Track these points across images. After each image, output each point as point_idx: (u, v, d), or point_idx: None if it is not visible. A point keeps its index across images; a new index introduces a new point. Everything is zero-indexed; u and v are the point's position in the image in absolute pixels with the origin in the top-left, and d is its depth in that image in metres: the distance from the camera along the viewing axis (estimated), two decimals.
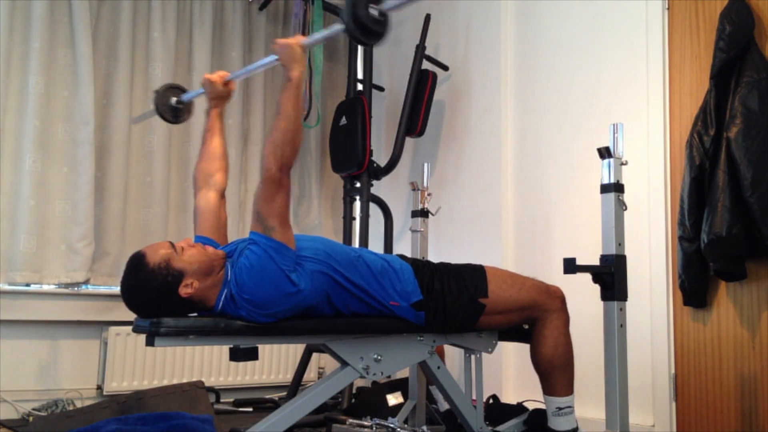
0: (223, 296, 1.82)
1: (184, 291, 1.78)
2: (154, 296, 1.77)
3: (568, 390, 2.11)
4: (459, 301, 2.04)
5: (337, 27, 1.83)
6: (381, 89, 4.04)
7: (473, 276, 2.10)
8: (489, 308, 2.07)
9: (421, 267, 2.10)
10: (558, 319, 2.12)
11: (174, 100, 2.50)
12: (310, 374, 3.73)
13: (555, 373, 2.10)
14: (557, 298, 2.15)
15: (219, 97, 2.27)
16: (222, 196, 2.16)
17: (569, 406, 2.09)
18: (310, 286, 1.85)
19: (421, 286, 2.03)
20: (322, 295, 1.90)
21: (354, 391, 3.25)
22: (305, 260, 1.87)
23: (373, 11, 1.78)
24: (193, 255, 1.82)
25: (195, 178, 2.19)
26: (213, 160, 2.19)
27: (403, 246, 3.47)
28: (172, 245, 1.83)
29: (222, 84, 2.25)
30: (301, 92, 1.90)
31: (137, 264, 1.79)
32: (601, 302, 2.07)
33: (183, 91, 2.54)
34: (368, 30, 1.79)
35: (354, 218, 3.70)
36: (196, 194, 2.16)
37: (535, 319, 2.13)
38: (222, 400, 3.47)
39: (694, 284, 2.57)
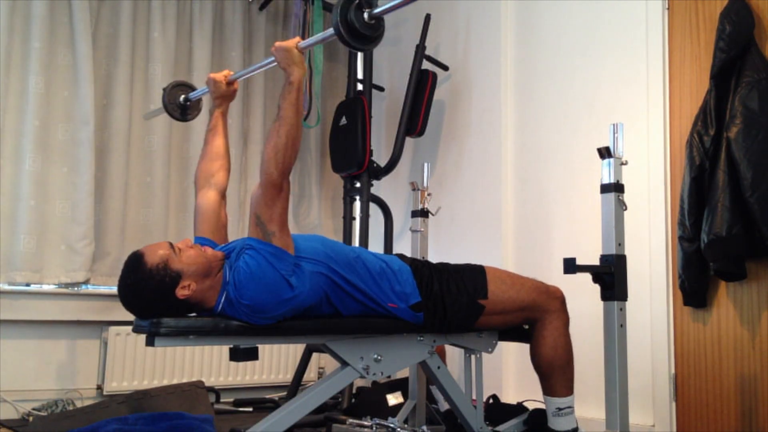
0: (223, 298, 1.81)
1: (181, 293, 1.77)
2: (151, 297, 1.76)
3: (568, 390, 2.11)
4: (458, 302, 2.04)
5: (331, 31, 1.82)
6: (381, 89, 4.04)
7: (473, 277, 2.10)
8: (488, 309, 2.07)
9: (420, 268, 2.09)
10: (558, 320, 2.12)
11: (182, 97, 2.51)
12: (310, 374, 3.73)
13: (555, 374, 2.10)
14: (557, 298, 2.15)
15: (223, 96, 2.27)
16: (223, 196, 2.16)
17: (569, 407, 2.09)
18: (308, 287, 1.85)
19: (420, 288, 2.03)
20: (320, 295, 1.90)
21: (354, 391, 3.25)
22: (303, 261, 1.87)
23: (365, 15, 1.77)
24: (192, 256, 1.81)
25: (196, 177, 2.19)
26: (215, 160, 2.18)
27: (403, 246, 3.47)
28: (171, 246, 1.82)
29: (226, 83, 2.26)
30: (301, 95, 1.90)
31: (135, 264, 1.78)
32: (601, 302, 2.07)
33: (191, 88, 2.54)
34: (360, 35, 1.78)
35: (354, 218, 3.70)
36: (197, 193, 2.15)
37: (534, 319, 2.13)
38: (222, 400, 3.47)
39: (694, 284, 2.57)
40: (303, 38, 3.80)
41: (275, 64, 1.98)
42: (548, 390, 2.11)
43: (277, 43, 1.93)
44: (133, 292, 1.78)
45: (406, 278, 2.03)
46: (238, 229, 3.76)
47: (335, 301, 1.94)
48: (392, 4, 1.80)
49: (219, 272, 1.84)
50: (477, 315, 2.06)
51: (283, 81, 1.91)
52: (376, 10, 1.79)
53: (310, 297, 1.87)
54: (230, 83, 2.27)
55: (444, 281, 2.06)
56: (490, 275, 2.11)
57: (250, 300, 1.76)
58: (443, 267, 2.14)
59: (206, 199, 2.12)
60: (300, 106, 1.88)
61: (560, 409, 2.08)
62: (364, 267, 1.99)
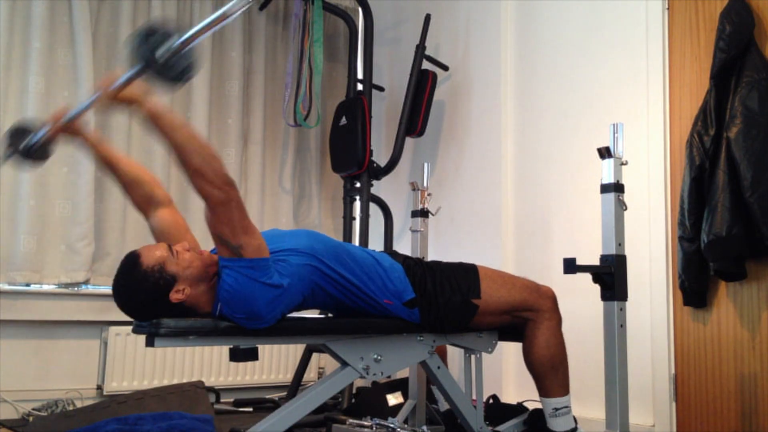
0: (219, 306, 1.79)
1: (174, 297, 1.75)
2: (144, 299, 1.74)
3: (564, 390, 2.10)
4: (451, 302, 2.04)
5: (137, 68, 1.60)
6: (381, 89, 4.04)
7: (466, 276, 2.09)
8: (481, 308, 2.06)
9: (412, 266, 2.08)
10: (550, 320, 2.11)
11: (24, 143, 2.07)
12: (310, 374, 3.73)
13: (549, 374, 2.09)
14: (548, 298, 2.14)
15: (67, 129, 1.99)
16: (169, 202, 2.05)
17: (566, 407, 2.09)
18: (297, 279, 1.83)
19: (413, 286, 2.03)
20: (311, 286, 1.88)
21: (354, 391, 3.25)
22: (289, 254, 1.85)
23: (159, 52, 1.55)
24: (189, 260, 1.79)
25: (137, 207, 2.04)
26: (138, 186, 2.01)
27: (403, 246, 3.47)
28: (169, 248, 1.80)
29: (65, 128, 1.99)
30: (168, 115, 1.71)
31: (131, 264, 1.77)
32: (601, 302, 2.07)
33: (29, 131, 2.09)
34: (169, 70, 1.56)
35: (354, 218, 3.71)
36: (148, 219, 2.02)
37: (526, 319, 2.13)
38: (222, 400, 3.47)
39: (694, 284, 2.57)
40: (303, 38, 3.77)
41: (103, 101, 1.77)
42: (544, 391, 2.11)
43: (103, 97, 1.75)
44: (126, 293, 1.77)
45: (398, 276, 2.02)
46: None
47: (332, 291, 1.93)
48: (186, 37, 1.56)
49: (214, 277, 1.81)
50: (471, 314, 2.06)
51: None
52: (174, 45, 1.56)
53: (300, 287, 1.85)
54: (67, 127, 1.98)
55: (437, 280, 2.05)
56: (482, 274, 2.11)
57: (243, 313, 1.76)
58: (436, 265, 2.13)
59: (158, 218, 2.00)
60: (177, 122, 1.70)
61: (557, 410, 2.08)
62: (355, 261, 1.97)
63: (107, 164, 2.03)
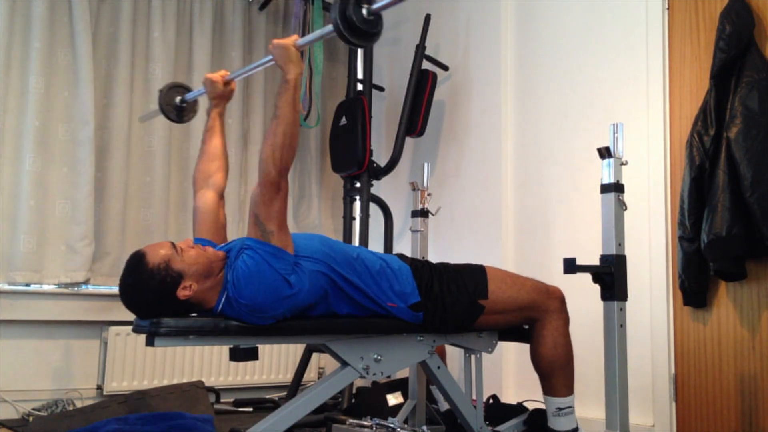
0: (223, 298, 1.81)
1: (182, 293, 1.77)
2: (152, 297, 1.76)
3: (569, 390, 2.11)
4: (458, 302, 2.04)
5: (329, 28, 1.81)
6: (381, 89, 4.04)
7: (473, 277, 2.09)
8: (488, 308, 2.07)
9: (419, 268, 2.09)
10: (557, 320, 2.12)
11: (178, 99, 2.49)
12: (310, 374, 3.73)
13: (555, 374, 2.09)
14: (556, 298, 2.15)
15: (220, 96, 2.26)
16: (221, 196, 2.16)
17: (569, 407, 2.09)
18: (308, 285, 1.84)
19: (420, 288, 2.03)
20: (320, 294, 1.90)
21: (354, 391, 3.25)
22: (303, 260, 1.87)
23: (364, 11, 1.76)
24: (193, 256, 1.81)
25: (194, 179, 2.18)
26: (212, 160, 2.18)
27: (403, 246, 3.47)
28: (173, 246, 1.82)
29: (223, 83, 2.25)
30: (299, 94, 1.89)
31: (137, 263, 1.78)
32: (601, 302, 2.07)
33: (187, 89, 2.52)
34: (359, 31, 1.76)
35: (354, 218, 3.70)
36: (195, 194, 2.15)
37: (534, 319, 2.13)
38: (222, 400, 3.47)
39: (694, 284, 2.57)
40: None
41: (273, 62, 1.97)
42: (548, 390, 2.11)
43: (275, 41, 1.92)
44: (133, 292, 1.78)
45: (406, 278, 2.03)
46: (238, 229, 3.76)
47: (334, 300, 1.94)
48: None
49: (220, 272, 1.84)
50: (477, 315, 2.06)
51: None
52: (375, 6, 1.78)
53: (310, 295, 1.86)
54: (227, 83, 2.26)
55: (444, 281, 2.06)
56: (490, 275, 2.11)
57: (248, 299, 1.76)
58: (443, 267, 2.13)
59: (205, 200, 2.12)
60: (297, 104, 1.87)
61: (560, 409, 2.08)
62: (364, 266, 1.99)
63: (211, 129, 2.22)
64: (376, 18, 1.79)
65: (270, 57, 1.98)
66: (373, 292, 1.97)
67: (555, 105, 3.27)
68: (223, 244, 2.02)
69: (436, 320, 2.04)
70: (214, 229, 2.09)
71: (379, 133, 4.12)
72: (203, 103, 2.48)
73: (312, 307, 1.91)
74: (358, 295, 1.96)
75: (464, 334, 2.15)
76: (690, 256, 2.54)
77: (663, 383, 2.71)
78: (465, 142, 3.66)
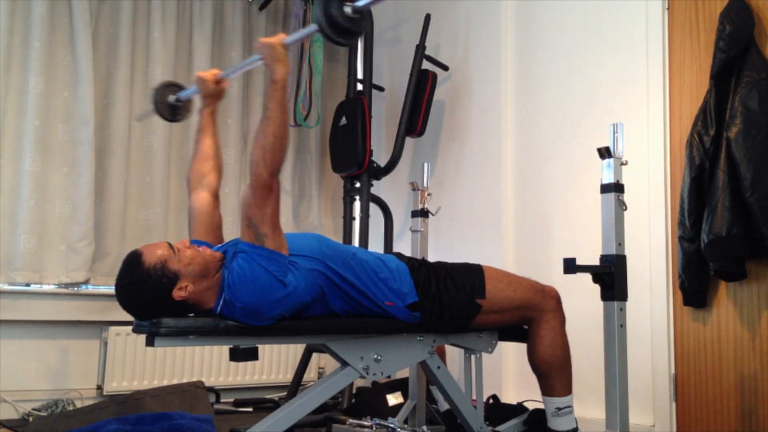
0: (221, 300, 1.81)
1: (177, 294, 1.76)
2: (148, 297, 1.75)
3: (567, 390, 2.11)
4: (456, 302, 2.04)
5: (314, 26, 1.79)
6: (381, 89, 4.04)
7: (470, 276, 2.09)
8: (485, 308, 2.07)
9: (417, 267, 2.09)
10: (554, 319, 2.12)
11: (172, 98, 2.46)
12: (310, 374, 3.73)
13: (553, 374, 2.10)
14: (552, 297, 2.15)
15: (211, 95, 2.24)
16: (216, 196, 2.14)
17: (568, 406, 2.09)
18: (304, 283, 1.84)
19: (417, 287, 2.03)
20: (317, 292, 1.89)
21: (354, 391, 3.25)
22: (299, 258, 1.86)
23: (347, 9, 1.74)
24: (190, 257, 1.80)
25: (188, 179, 2.17)
26: (205, 160, 2.17)
27: (403, 246, 3.47)
28: (170, 246, 1.81)
29: (214, 82, 2.23)
30: (287, 93, 1.87)
31: (133, 263, 1.78)
32: (601, 302, 2.07)
33: (180, 88, 2.50)
34: (342, 28, 1.75)
35: (354, 218, 3.70)
36: (190, 195, 2.14)
37: (530, 319, 2.13)
38: (222, 400, 3.47)
39: (694, 284, 2.57)
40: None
41: (261, 61, 1.94)
42: (547, 390, 2.11)
43: (262, 40, 1.90)
44: (129, 292, 1.78)
45: (404, 277, 2.03)
46: (238, 229, 3.73)
47: (331, 299, 1.94)
48: None
49: (217, 273, 1.84)
50: (474, 314, 2.06)
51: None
52: (359, 3, 1.77)
53: (307, 293, 1.86)
54: (219, 82, 2.24)
55: (442, 281, 2.06)
56: (487, 274, 2.11)
57: (243, 303, 1.76)
58: (441, 266, 2.13)
59: (199, 200, 2.11)
60: (286, 104, 1.85)
61: (559, 409, 2.08)
62: (361, 265, 1.98)
63: (203, 129, 2.20)
64: (361, 15, 1.77)
65: (259, 56, 1.95)
66: (370, 290, 1.97)
67: (555, 105, 3.27)
68: (219, 245, 2.01)
69: (434, 319, 2.04)
70: (209, 229, 2.08)
71: (379, 133, 4.12)
72: (199, 103, 2.48)
73: (309, 306, 1.90)
74: (356, 293, 1.95)
75: (464, 334, 2.15)
76: (690, 256, 2.54)
77: (663, 383, 2.71)
78: (465, 142, 3.66)
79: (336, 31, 1.75)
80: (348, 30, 1.76)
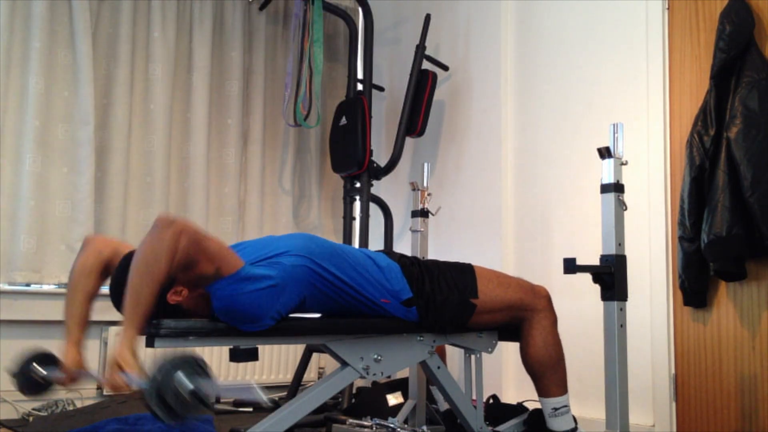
0: (215, 312, 1.77)
1: (172, 298, 1.73)
2: None
3: (562, 390, 2.10)
4: (449, 301, 2.03)
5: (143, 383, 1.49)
6: (381, 89, 4.04)
7: (463, 276, 2.09)
8: (479, 308, 2.06)
9: (408, 266, 2.07)
10: (545, 319, 2.12)
11: (40, 372, 2.06)
12: (310, 374, 3.73)
13: (547, 373, 2.09)
14: (543, 297, 2.14)
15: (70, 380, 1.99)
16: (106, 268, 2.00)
17: (565, 406, 2.09)
18: (289, 278, 1.80)
19: (411, 284, 2.02)
20: (307, 288, 1.86)
21: (354, 391, 3.25)
22: (282, 256, 1.83)
23: (186, 388, 1.44)
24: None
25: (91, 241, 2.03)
26: (108, 264, 1.97)
27: (403, 246, 3.47)
28: None
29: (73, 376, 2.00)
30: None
31: (129, 264, 1.75)
32: (601, 302, 2.07)
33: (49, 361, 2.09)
34: (167, 404, 1.44)
35: (354, 218, 3.70)
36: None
37: (521, 319, 2.13)
38: (222, 400, 3.47)
39: (694, 284, 2.57)
40: (303, 38, 3.75)
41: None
42: (542, 391, 2.11)
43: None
44: (122, 292, 1.74)
45: (395, 275, 2.01)
46: (237, 229, 3.76)
47: (322, 297, 1.91)
48: None
49: (207, 283, 1.77)
50: (470, 313, 2.06)
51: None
52: (203, 388, 1.47)
53: (297, 288, 1.83)
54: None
55: (435, 279, 2.05)
56: (478, 274, 2.11)
57: (240, 322, 1.76)
58: (433, 264, 2.13)
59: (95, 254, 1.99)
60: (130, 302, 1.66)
61: (556, 409, 2.08)
62: (349, 262, 1.95)
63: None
64: (198, 400, 1.46)
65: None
66: (364, 288, 1.95)
67: (555, 105, 3.27)
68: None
69: (431, 317, 2.03)
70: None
71: (379, 133, 4.12)
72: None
73: (305, 302, 1.88)
74: (348, 289, 1.93)
75: (464, 334, 2.15)
76: (690, 256, 2.54)
77: (663, 383, 2.71)
78: (465, 142, 3.66)
79: (160, 402, 1.44)
80: (171, 409, 1.44)
